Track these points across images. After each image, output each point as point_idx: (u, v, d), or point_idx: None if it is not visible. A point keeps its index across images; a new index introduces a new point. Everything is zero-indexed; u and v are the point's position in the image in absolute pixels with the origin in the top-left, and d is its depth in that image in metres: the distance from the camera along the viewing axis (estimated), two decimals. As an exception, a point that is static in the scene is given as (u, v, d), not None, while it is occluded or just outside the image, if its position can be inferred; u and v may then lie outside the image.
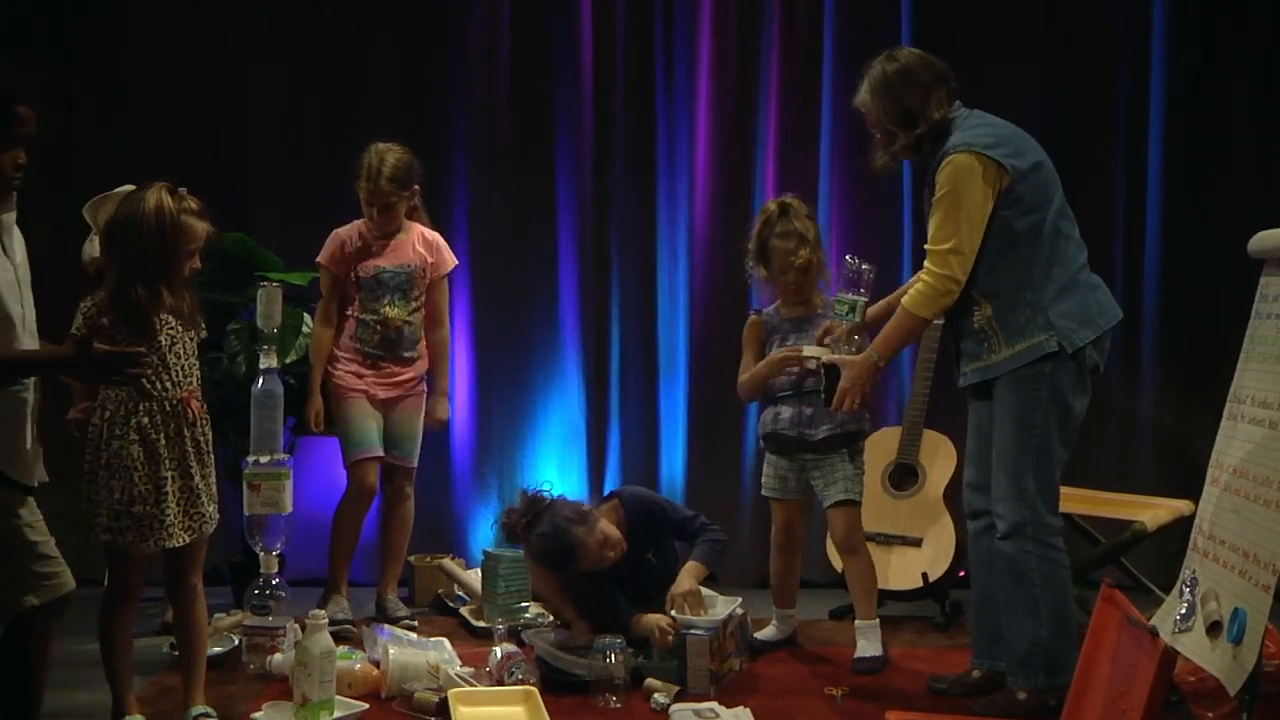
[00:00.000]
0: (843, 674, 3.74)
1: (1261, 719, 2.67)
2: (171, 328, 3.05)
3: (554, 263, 4.95)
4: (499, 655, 3.56)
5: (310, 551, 4.41)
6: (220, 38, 4.88)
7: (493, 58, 4.92)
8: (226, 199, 4.06)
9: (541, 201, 4.94)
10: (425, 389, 4.34)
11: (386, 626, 3.88)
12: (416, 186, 4.22)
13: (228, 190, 4.62)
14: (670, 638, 3.60)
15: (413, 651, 3.55)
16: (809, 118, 4.91)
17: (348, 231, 4.24)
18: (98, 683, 3.25)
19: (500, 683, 3.47)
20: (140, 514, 2.98)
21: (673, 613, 3.67)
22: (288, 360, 4.22)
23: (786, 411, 3.86)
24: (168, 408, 3.03)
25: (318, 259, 4.25)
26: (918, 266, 3.37)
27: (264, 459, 3.71)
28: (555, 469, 4.91)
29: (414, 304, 4.25)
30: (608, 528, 3.74)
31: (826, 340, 3.63)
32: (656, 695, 3.44)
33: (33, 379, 2.92)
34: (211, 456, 3.15)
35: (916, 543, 4.30)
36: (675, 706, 3.36)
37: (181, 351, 3.07)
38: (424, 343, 4.31)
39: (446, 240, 4.40)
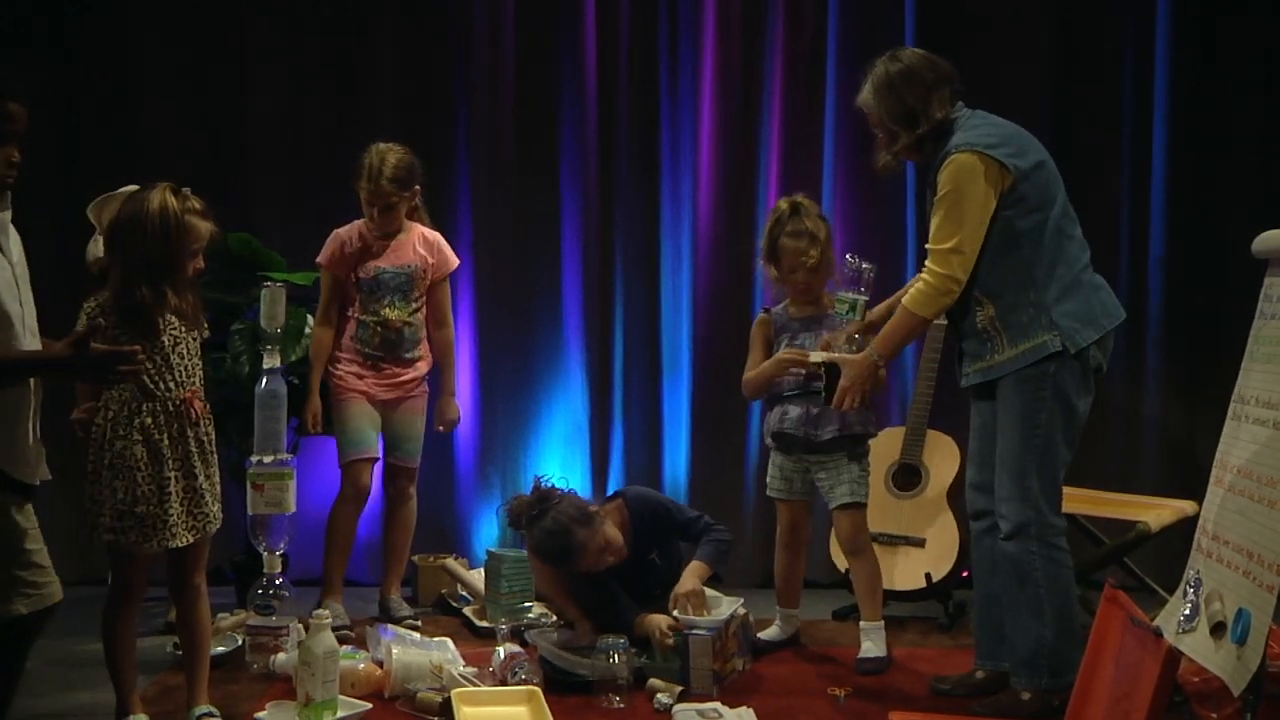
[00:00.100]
0: (846, 674, 3.73)
1: (1265, 720, 2.67)
2: (175, 328, 3.05)
3: (557, 263, 4.95)
4: (502, 655, 3.56)
5: (314, 551, 4.39)
6: (221, 38, 4.88)
7: (496, 58, 4.92)
8: (226, 199, 4.05)
9: (545, 201, 4.94)
10: (427, 390, 4.33)
11: (390, 626, 3.89)
12: (417, 187, 4.21)
13: (228, 190, 4.61)
14: (670, 639, 3.60)
15: (416, 651, 3.55)
16: (812, 118, 4.90)
17: (348, 232, 4.23)
18: (101, 682, 3.25)
19: (503, 683, 3.47)
20: (143, 514, 2.98)
21: (675, 613, 3.67)
22: (291, 360, 4.22)
23: (794, 410, 3.85)
24: (171, 408, 3.02)
25: (317, 259, 4.24)
26: (920, 267, 3.37)
27: (267, 459, 3.72)
28: (558, 469, 4.89)
29: (414, 305, 4.23)
30: (610, 531, 3.75)
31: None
32: (659, 695, 3.43)
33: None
34: (215, 456, 3.15)
35: (920, 543, 4.30)
36: (678, 707, 3.36)
37: (185, 351, 3.07)
38: (425, 344, 4.30)
39: (449, 240, 4.39)
